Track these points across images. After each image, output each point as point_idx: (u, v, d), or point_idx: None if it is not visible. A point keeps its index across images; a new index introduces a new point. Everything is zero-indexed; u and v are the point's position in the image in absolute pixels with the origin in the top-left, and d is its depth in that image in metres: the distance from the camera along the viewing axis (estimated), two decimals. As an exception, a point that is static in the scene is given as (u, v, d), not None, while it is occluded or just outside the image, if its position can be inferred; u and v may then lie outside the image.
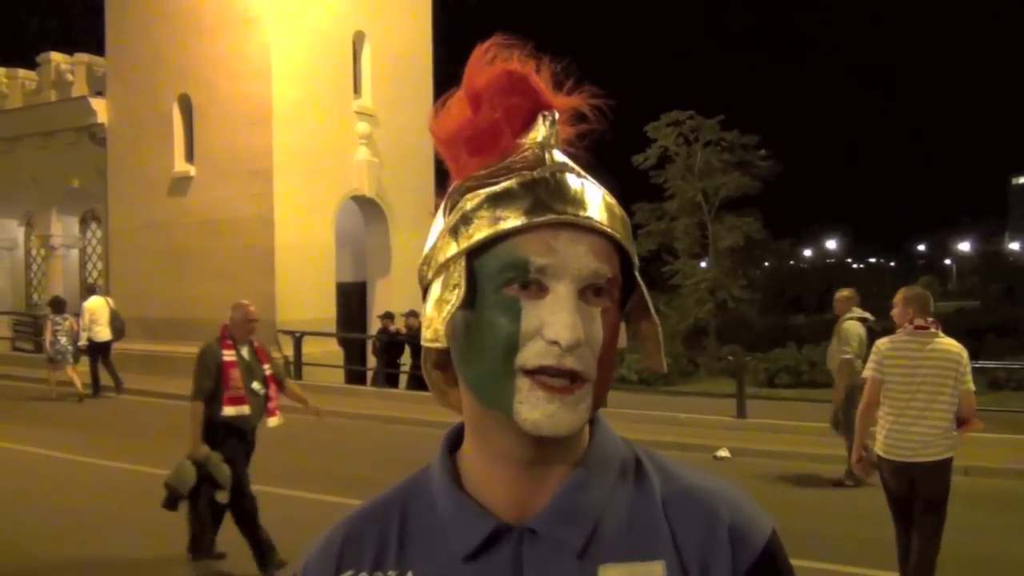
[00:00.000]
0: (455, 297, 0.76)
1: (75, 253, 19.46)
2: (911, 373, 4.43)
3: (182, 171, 15.58)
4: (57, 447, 9.26)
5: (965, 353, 4.48)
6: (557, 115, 0.83)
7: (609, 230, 0.78)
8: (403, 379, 14.07)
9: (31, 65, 18.57)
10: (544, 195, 0.76)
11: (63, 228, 18.59)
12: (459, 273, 0.77)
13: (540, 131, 0.81)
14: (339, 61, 15.59)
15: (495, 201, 0.77)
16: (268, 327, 14.41)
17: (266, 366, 5.66)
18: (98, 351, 13.36)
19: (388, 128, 16.08)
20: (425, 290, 0.83)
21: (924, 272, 63.13)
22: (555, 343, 0.73)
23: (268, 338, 14.29)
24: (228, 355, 5.51)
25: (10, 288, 20.31)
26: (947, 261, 69.43)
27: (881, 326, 6.74)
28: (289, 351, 14.15)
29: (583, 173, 0.81)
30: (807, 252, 63.92)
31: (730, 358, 16.16)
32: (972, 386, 4.47)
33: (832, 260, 65.08)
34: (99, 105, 16.68)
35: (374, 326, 15.72)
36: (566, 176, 0.79)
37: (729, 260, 25.32)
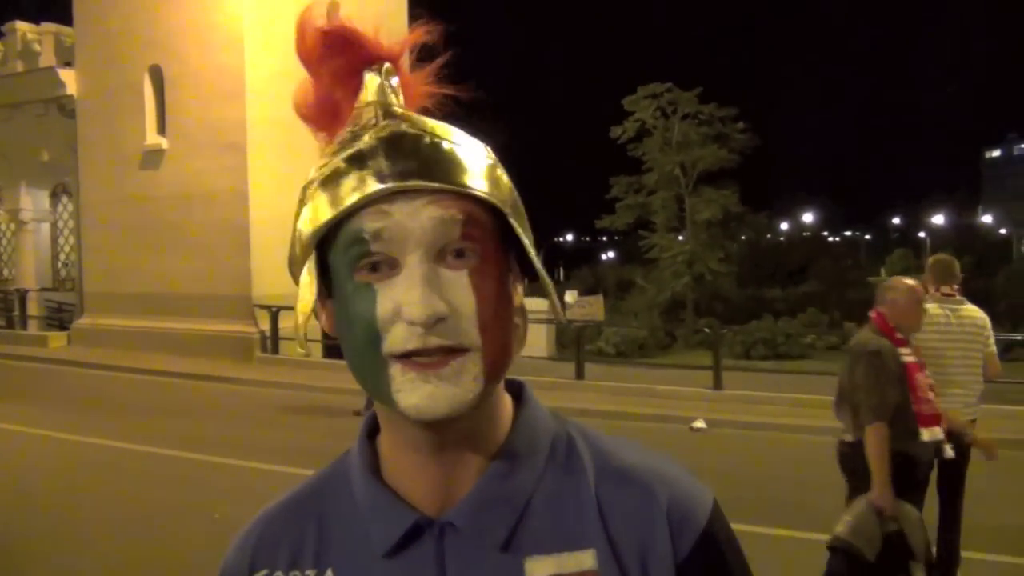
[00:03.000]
0: (307, 298, 0.72)
1: (46, 227, 19.18)
2: (942, 340, 4.49)
3: (154, 144, 15.34)
4: (30, 423, 9.16)
5: (988, 319, 4.63)
6: (387, 65, 0.75)
7: (447, 184, 0.69)
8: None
9: (-4, 35, 18.14)
10: (373, 163, 0.69)
11: (33, 202, 18.29)
12: (309, 270, 0.72)
13: (370, 88, 0.74)
14: (313, 32, 15.34)
15: (325, 186, 0.71)
16: (244, 302, 14.33)
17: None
18: None
19: (364, 100, 15.90)
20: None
21: (899, 245, 63.79)
22: (414, 323, 0.67)
23: (244, 313, 14.23)
24: (907, 355, 3.87)
25: (-20, 263, 20.00)
26: (921, 234, 70.14)
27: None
28: (266, 326, 14.08)
29: (422, 128, 0.72)
30: (784, 225, 64.28)
31: (707, 330, 16.26)
32: (995, 349, 4.61)
33: (808, 233, 65.51)
34: (68, 76, 16.34)
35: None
36: (399, 135, 0.71)
37: (706, 233, 25.40)
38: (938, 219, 64.98)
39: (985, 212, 74.82)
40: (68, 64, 16.62)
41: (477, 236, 0.70)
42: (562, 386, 11.09)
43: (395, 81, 0.76)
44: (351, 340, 0.71)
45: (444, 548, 0.73)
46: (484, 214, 0.71)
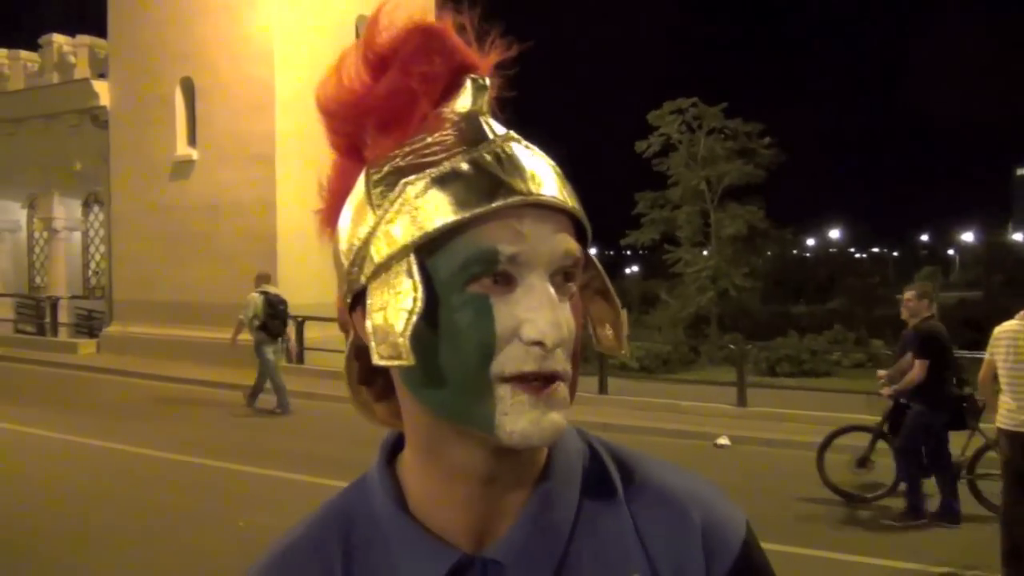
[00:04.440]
0: (413, 302, 0.63)
1: (77, 236, 19.47)
2: (1013, 353, 5.17)
3: (184, 155, 15.55)
4: (59, 428, 9.29)
5: None
6: (488, 79, 0.71)
7: (572, 208, 0.67)
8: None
9: (33, 47, 18.49)
10: (499, 172, 0.65)
11: (65, 211, 18.58)
12: (412, 273, 0.64)
13: (468, 97, 0.69)
14: (342, 45, 14.73)
15: (442, 185, 0.65)
16: (270, 311, 14.44)
17: None
18: None
19: (391, 113, 16.03)
20: (356, 297, 0.70)
21: (927, 262, 63.04)
22: (538, 344, 0.63)
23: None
24: None
25: (12, 270, 20.32)
26: (950, 251, 69.30)
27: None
28: (292, 335, 14.16)
29: (528, 143, 0.69)
30: (810, 241, 63.81)
31: (731, 346, 16.15)
32: None
33: (835, 250, 64.96)
34: (101, 87, 16.63)
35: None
36: (515, 148, 0.67)
37: (731, 249, 25.28)
38: (967, 236, 64.19)
39: (1016, 230, 73.81)
40: (102, 76, 16.91)
41: (580, 262, 0.68)
42: (585, 400, 11.07)
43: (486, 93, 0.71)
44: (449, 358, 0.64)
45: None
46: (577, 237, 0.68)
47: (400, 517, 0.71)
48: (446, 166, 0.65)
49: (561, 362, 0.65)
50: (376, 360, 0.64)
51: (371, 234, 0.67)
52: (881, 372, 7.07)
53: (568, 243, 0.66)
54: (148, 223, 15.95)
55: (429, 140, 0.67)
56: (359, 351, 0.72)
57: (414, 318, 0.63)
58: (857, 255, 69.73)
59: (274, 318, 10.62)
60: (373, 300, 0.66)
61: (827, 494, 6.90)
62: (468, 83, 0.70)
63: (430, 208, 0.64)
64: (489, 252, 0.63)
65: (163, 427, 9.84)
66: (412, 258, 0.64)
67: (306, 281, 14.83)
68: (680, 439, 9.34)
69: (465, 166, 0.65)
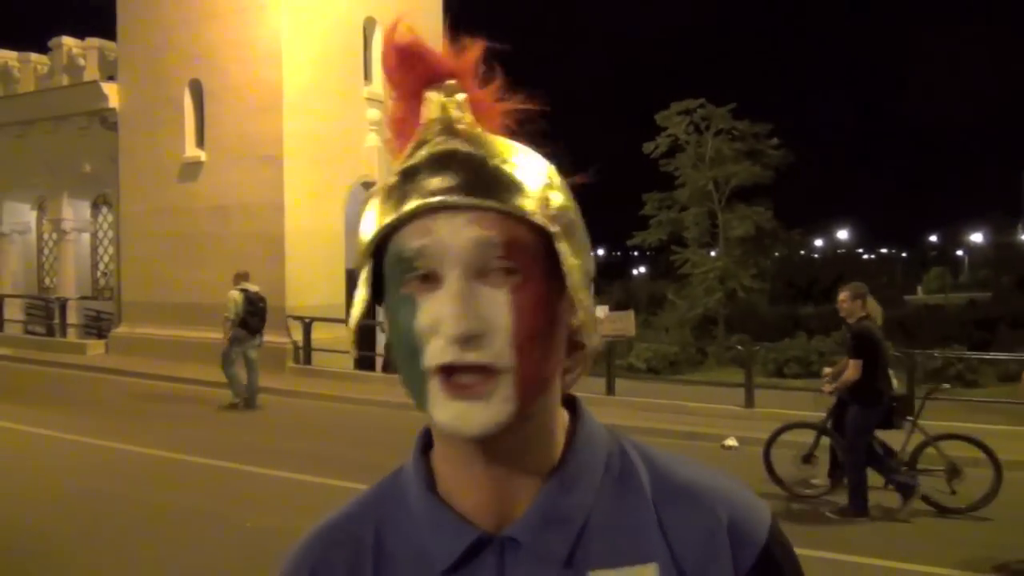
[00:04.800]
0: (358, 306, 0.75)
1: (86, 237, 19.54)
2: None
3: (193, 156, 15.61)
4: (67, 429, 9.33)
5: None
6: (450, 82, 0.74)
7: (488, 202, 0.69)
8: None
9: (43, 49, 18.58)
10: (419, 180, 0.70)
11: (74, 212, 18.65)
12: (363, 281, 0.74)
13: (430, 107, 0.74)
14: (350, 47, 15.56)
15: (382, 200, 0.73)
16: (277, 313, 14.48)
17: None
18: None
19: (398, 115, 16.06)
20: None
21: (936, 263, 62.82)
22: (448, 338, 0.68)
23: (277, 323, 14.38)
24: None
25: (22, 272, 20.42)
26: (959, 252, 68.96)
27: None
28: (299, 336, 14.21)
29: (479, 142, 0.72)
30: (818, 242, 63.59)
31: (739, 347, 16.13)
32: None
33: (843, 250, 64.75)
34: (111, 90, 16.70)
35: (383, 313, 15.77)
36: (450, 152, 0.71)
37: (739, 249, 25.26)
38: (977, 237, 63.90)
39: (1025, 231, 73.41)
40: (111, 78, 16.99)
41: (520, 256, 0.69)
42: (592, 401, 11.02)
43: (460, 97, 0.75)
44: (397, 350, 0.72)
45: (505, 564, 0.73)
46: (530, 234, 0.70)
47: (428, 498, 0.77)
48: (388, 182, 0.73)
49: (486, 355, 0.68)
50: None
51: (358, 241, 0.76)
52: (827, 369, 7.37)
53: (480, 233, 0.69)
54: (157, 224, 16.01)
55: (404, 153, 0.75)
56: None
57: (356, 318, 0.75)
58: (865, 256, 69.52)
59: (253, 315, 10.88)
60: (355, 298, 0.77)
61: (837, 496, 6.89)
62: (428, 95, 0.75)
63: (375, 219, 0.73)
64: (401, 250, 0.70)
65: (171, 428, 9.87)
66: (368, 264, 0.74)
67: (313, 282, 14.89)
68: (688, 440, 9.33)
69: (397, 179, 0.72)
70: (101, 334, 17.74)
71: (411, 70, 0.75)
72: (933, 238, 78.90)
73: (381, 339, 15.58)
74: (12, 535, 5.79)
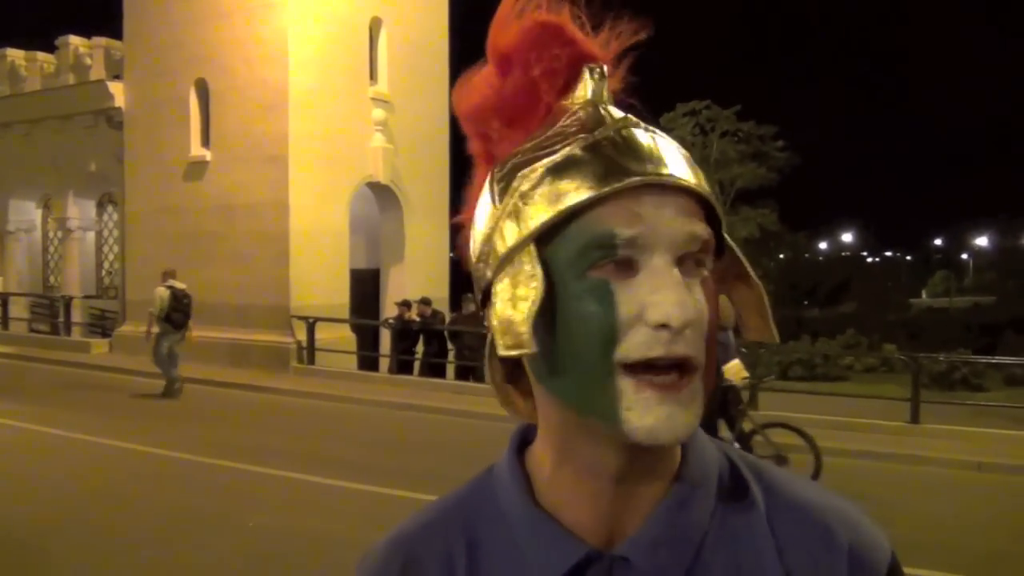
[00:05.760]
0: (534, 291, 0.63)
1: (91, 236, 19.59)
2: None
3: (198, 156, 15.63)
4: (71, 427, 9.34)
5: None
6: (605, 67, 0.71)
7: (696, 186, 0.65)
8: (417, 366, 14.13)
9: (50, 48, 18.62)
10: (615, 156, 0.64)
11: (80, 211, 18.70)
12: (531, 262, 0.64)
13: (588, 86, 0.70)
14: (356, 47, 15.58)
15: (558, 173, 0.65)
16: (281, 312, 14.50)
17: None
18: None
19: (404, 114, 16.08)
20: (485, 293, 0.69)
21: (941, 267, 62.71)
22: (664, 327, 0.61)
23: (281, 323, 14.40)
24: None
25: (27, 270, 20.47)
26: (964, 256, 68.81)
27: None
28: (302, 336, 14.22)
29: (650, 127, 0.69)
30: (823, 245, 63.47)
31: (743, 350, 16.12)
32: None
33: (848, 253, 64.62)
34: (117, 89, 16.73)
35: (387, 313, 15.78)
36: (634, 132, 0.67)
37: (744, 252, 25.23)
38: (982, 241, 63.75)
39: (1031, 235, 73.21)
40: (117, 77, 17.02)
41: (709, 245, 0.66)
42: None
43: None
44: (574, 346, 0.63)
45: None
46: (707, 226, 0.67)
47: (529, 508, 0.70)
48: (561, 154, 0.65)
49: (692, 346, 0.63)
50: (501, 351, 0.64)
51: (493, 229, 0.68)
52: None
53: (691, 225, 0.64)
54: (162, 223, 16.04)
55: (551, 132, 0.68)
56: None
57: (535, 307, 0.63)
58: (870, 259, 69.40)
59: (177, 311, 11.51)
60: (497, 293, 0.66)
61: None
62: (586, 73, 0.70)
63: (546, 197, 0.65)
64: (606, 235, 0.62)
65: (174, 427, 9.88)
66: (532, 248, 0.64)
67: (318, 282, 14.90)
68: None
69: (580, 152, 0.65)
70: (105, 333, 17.77)
71: (563, 46, 0.70)
72: (938, 241, 78.76)
73: (385, 339, 15.62)
74: (14, 533, 5.79)
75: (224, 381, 13.00)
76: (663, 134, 0.69)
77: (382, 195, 16.44)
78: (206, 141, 15.66)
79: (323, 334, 14.18)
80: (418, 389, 12.36)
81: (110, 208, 19.14)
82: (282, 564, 5.23)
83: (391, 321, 14.27)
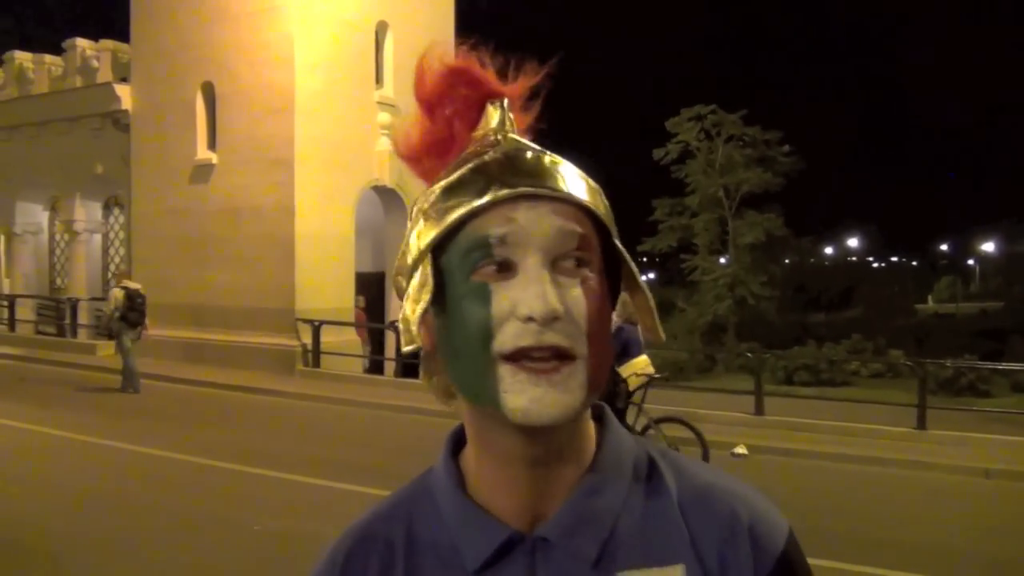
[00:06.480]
0: (425, 294, 0.73)
1: (98, 238, 19.64)
2: None
3: (204, 158, 15.67)
4: (75, 429, 9.36)
5: None
6: (507, 101, 0.81)
7: (570, 194, 0.74)
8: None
9: (57, 51, 18.70)
10: (497, 173, 0.74)
11: (86, 213, 18.75)
12: (426, 270, 0.74)
13: (492, 118, 0.80)
14: (362, 51, 15.60)
15: (449, 192, 0.75)
16: (287, 315, 14.52)
17: None
18: None
19: (409, 118, 16.09)
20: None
21: (946, 272, 62.52)
22: (530, 319, 0.69)
23: (287, 326, 14.42)
24: None
25: (34, 272, 20.53)
26: (970, 261, 68.56)
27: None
28: (308, 339, 14.23)
29: (543, 150, 0.78)
30: (828, 250, 63.31)
31: (748, 355, 16.06)
32: None
33: (853, 258, 64.45)
34: (123, 91, 16.79)
35: (392, 316, 15.78)
36: (520, 152, 0.76)
37: (749, 256, 25.19)
38: (988, 247, 63.53)
39: (1038, 240, 72.93)
40: (124, 80, 17.08)
41: (589, 250, 0.74)
42: (600, 407, 11.03)
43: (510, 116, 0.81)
44: (461, 340, 0.72)
45: (536, 563, 0.74)
46: (593, 231, 0.75)
47: (458, 497, 0.78)
48: (455, 176, 0.76)
49: (567, 337, 0.70)
50: (403, 347, 0.74)
51: (404, 244, 0.79)
52: None
53: (562, 223, 0.72)
54: (167, 226, 16.08)
55: (459, 159, 0.78)
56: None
57: (422, 308, 0.73)
58: (876, 264, 69.21)
59: (132, 310, 12.04)
60: (405, 299, 0.76)
61: (845, 504, 6.84)
62: (489, 107, 0.81)
63: (439, 212, 0.75)
64: (481, 237, 0.72)
65: (179, 430, 9.89)
66: (428, 258, 0.75)
67: (323, 285, 14.91)
68: (696, 447, 9.29)
69: (468, 173, 0.75)
70: (111, 335, 17.79)
71: (469, 87, 0.80)
72: (944, 247, 78.45)
73: (391, 342, 15.62)
74: (20, 534, 5.80)
75: (229, 384, 13.01)
76: (559, 158, 0.78)
77: (387, 198, 16.46)
78: (212, 144, 15.70)
79: (329, 337, 14.19)
80: (424, 393, 12.32)
81: (116, 210, 19.19)
82: (287, 568, 5.22)
83: (398, 324, 14.29)
